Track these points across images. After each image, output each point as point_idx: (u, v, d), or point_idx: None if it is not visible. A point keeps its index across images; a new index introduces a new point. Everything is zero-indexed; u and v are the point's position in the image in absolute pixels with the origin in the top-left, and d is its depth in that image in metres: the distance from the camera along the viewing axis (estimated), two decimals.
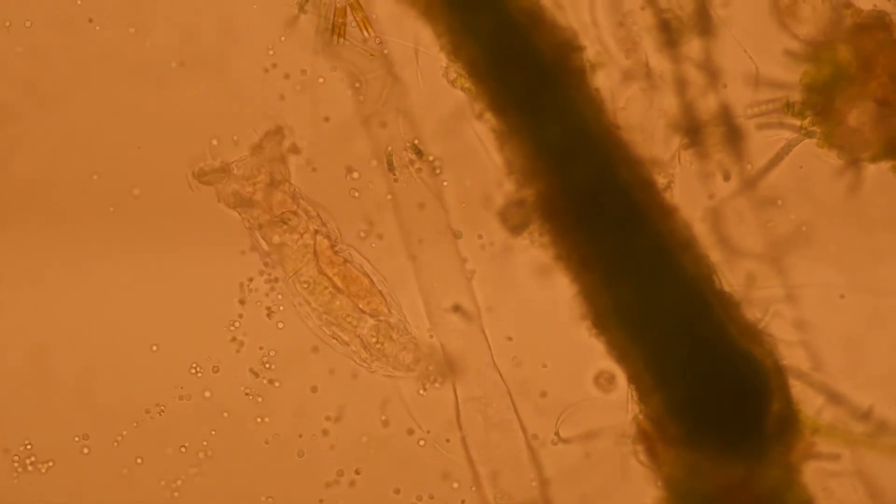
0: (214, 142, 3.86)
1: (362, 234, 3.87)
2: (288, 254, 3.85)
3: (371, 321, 3.85)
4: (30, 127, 3.89)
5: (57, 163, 3.89)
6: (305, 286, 3.85)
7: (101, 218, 3.89)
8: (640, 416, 3.83)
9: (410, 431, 3.88)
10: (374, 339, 3.84)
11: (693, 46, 3.84)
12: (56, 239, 3.88)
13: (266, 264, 3.86)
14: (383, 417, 3.87)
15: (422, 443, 3.87)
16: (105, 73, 3.89)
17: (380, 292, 3.86)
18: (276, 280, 3.86)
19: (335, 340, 3.86)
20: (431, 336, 3.86)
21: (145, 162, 3.89)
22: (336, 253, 3.86)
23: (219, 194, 3.87)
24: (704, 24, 3.83)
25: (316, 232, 3.86)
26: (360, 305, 3.85)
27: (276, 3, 3.85)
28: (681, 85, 3.84)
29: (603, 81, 3.84)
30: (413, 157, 3.87)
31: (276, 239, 3.85)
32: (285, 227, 3.84)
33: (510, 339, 3.87)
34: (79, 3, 3.87)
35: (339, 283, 3.85)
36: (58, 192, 3.89)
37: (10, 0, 3.89)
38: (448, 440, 3.88)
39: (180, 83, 3.87)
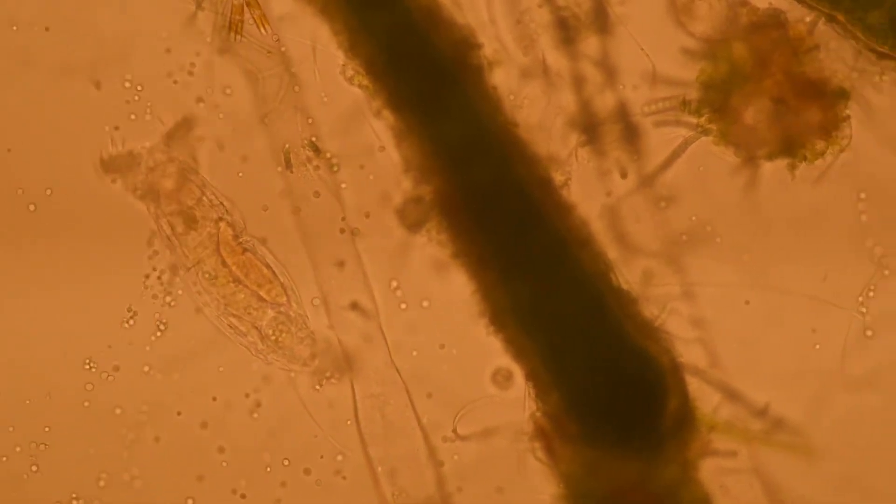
0: (114, 128, 3.84)
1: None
2: (191, 243, 3.84)
3: (271, 313, 3.84)
4: None
5: None
6: (207, 276, 3.84)
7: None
8: (538, 414, 3.84)
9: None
10: (271, 331, 3.84)
11: (590, 44, 3.85)
12: None
13: (170, 254, 3.85)
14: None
15: (316, 437, 3.88)
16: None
17: (281, 283, 3.85)
18: (177, 270, 3.85)
19: (232, 330, 3.85)
20: (330, 330, 3.86)
21: (42, 160, 3.88)
22: (239, 243, 3.85)
23: (126, 184, 3.85)
24: (601, 21, 3.84)
25: (219, 219, 3.85)
26: (261, 293, 3.84)
27: None
28: (578, 82, 3.85)
29: (500, 79, 3.84)
30: (311, 154, 3.86)
31: (181, 228, 3.84)
32: (191, 216, 3.83)
33: (412, 335, 3.88)
34: None
35: (238, 274, 3.84)
36: None
37: None
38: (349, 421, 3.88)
39: (74, 78, 3.87)
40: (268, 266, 3.85)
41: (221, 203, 3.85)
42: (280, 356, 3.85)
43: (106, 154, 3.84)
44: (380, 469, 3.87)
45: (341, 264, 3.87)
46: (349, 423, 3.86)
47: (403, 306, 3.87)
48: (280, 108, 3.86)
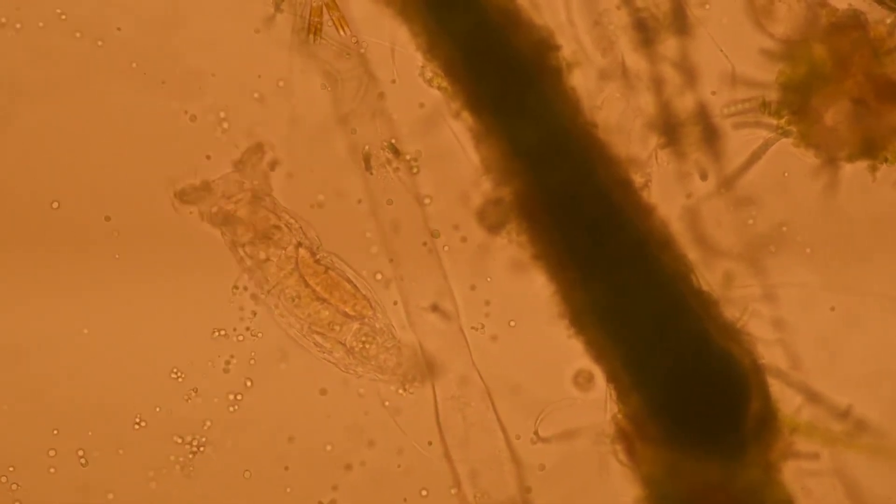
0: (206, 157, 3.85)
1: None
2: (271, 269, 3.83)
3: (356, 326, 3.83)
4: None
5: (26, 184, 3.87)
6: (290, 300, 3.83)
7: (82, 239, 3.88)
8: (619, 416, 3.82)
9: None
10: (358, 344, 3.83)
11: (669, 45, 3.85)
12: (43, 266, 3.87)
13: (249, 280, 3.84)
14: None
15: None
16: (72, 83, 3.87)
17: (364, 297, 3.85)
18: (258, 296, 3.85)
19: (318, 349, 3.84)
20: (412, 336, 3.85)
21: (121, 182, 3.87)
22: (318, 262, 3.85)
23: (201, 213, 3.85)
24: (681, 23, 3.84)
25: (299, 244, 3.84)
26: (346, 309, 3.83)
27: (252, 2, 3.85)
28: (657, 84, 3.85)
29: (579, 80, 3.84)
30: (390, 156, 3.86)
31: (262, 255, 3.83)
32: (269, 242, 3.83)
33: (492, 338, 3.87)
34: (63, 17, 3.86)
35: (322, 293, 3.83)
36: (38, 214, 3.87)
37: None
38: (430, 442, 3.86)
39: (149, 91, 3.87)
40: (349, 280, 3.85)
41: (298, 226, 3.84)
42: (368, 368, 3.84)
43: (180, 187, 3.84)
44: (461, 471, 3.86)
45: (422, 267, 3.86)
46: (431, 443, 3.86)
47: (484, 308, 3.86)
48: (359, 110, 3.86)
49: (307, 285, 3.83)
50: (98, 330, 3.86)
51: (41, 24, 3.85)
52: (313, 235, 3.86)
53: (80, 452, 3.86)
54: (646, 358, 3.79)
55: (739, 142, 3.85)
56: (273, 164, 3.85)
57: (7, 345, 3.86)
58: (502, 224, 3.84)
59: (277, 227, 3.83)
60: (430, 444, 3.85)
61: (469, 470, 3.86)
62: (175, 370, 3.85)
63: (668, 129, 3.85)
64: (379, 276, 3.87)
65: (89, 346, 3.86)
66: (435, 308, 3.86)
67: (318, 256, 3.85)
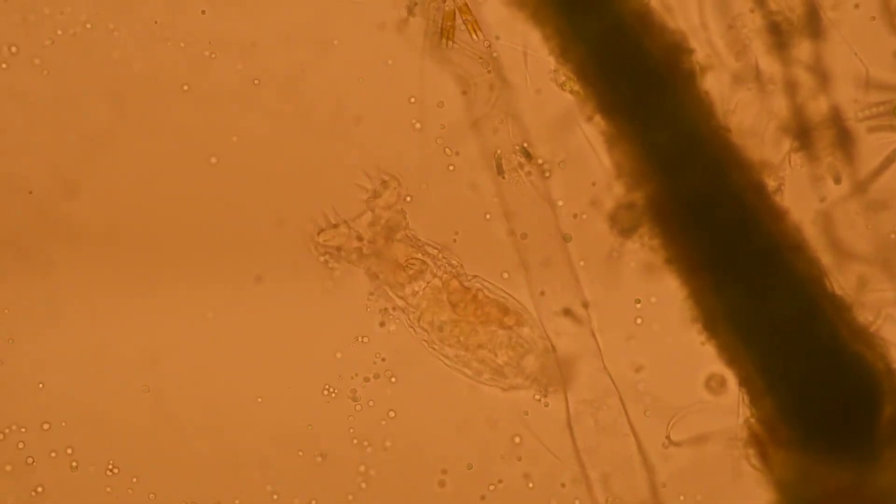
0: (332, 208, 3.86)
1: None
2: (416, 301, 3.84)
3: (504, 341, 3.84)
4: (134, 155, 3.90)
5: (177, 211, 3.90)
6: (438, 329, 3.83)
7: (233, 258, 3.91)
8: (751, 420, 3.82)
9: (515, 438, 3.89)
10: (506, 358, 3.83)
11: (803, 48, 3.83)
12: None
13: (396, 312, 3.86)
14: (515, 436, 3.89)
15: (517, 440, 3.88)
16: (210, 106, 3.89)
17: (516, 312, 3.85)
18: (410, 327, 3.86)
19: (469, 371, 3.85)
20: (545, 339, 3.86)
21: (263, 211, 3.89)
22: (466, 289, 3.85)
23: (343, 255, 3.85)
24: (814, 25, 3.82)
25: (443, 274, 3.84)
26: (494, 328, 3.84)
27: (385, 6, 3.85)
28: (791, 87, 3.83)
29: (712, 84, 3.82)
30: (522, 160, 3.86)
31: (407, 290, 3.84)
32: (412, 275, 3.83)
33: (623, 341, 3.87)
34: (212, 55, 3.88)
35: (472, 318, 3.84)
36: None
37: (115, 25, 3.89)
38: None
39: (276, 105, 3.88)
40: (496, 299, 3.85)
41: (440, 254, 3.84)
42: (516, 380, 3.84)
43: (320, 230, 3.85)
44: (593, 475, 3.86)
45: (552, 270, 3.86)
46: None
47: (616, 312, 3.86)
48: (491, 113, 3.86)
49: (455, 312, 3.84)
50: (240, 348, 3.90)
51: (209, 54, 3.87)
52: (457, 262, 3.86)
53: (269, 487, 3.89)
54: (778, 362, 3.78)
55: (873, 145, 3.83)
56: (406, 197, 3.85)
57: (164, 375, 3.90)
58: (635, 228, 3.83)
59: (419, 260, 3.84)
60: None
61: (601, 474, 3.87)
62: (327, 386, 3.89)
63: (802, 132, 3.84)
64: (505, 275, 3.87)
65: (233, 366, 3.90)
66: (567, 312, 3.87)
67: (465, 283, 3.85)
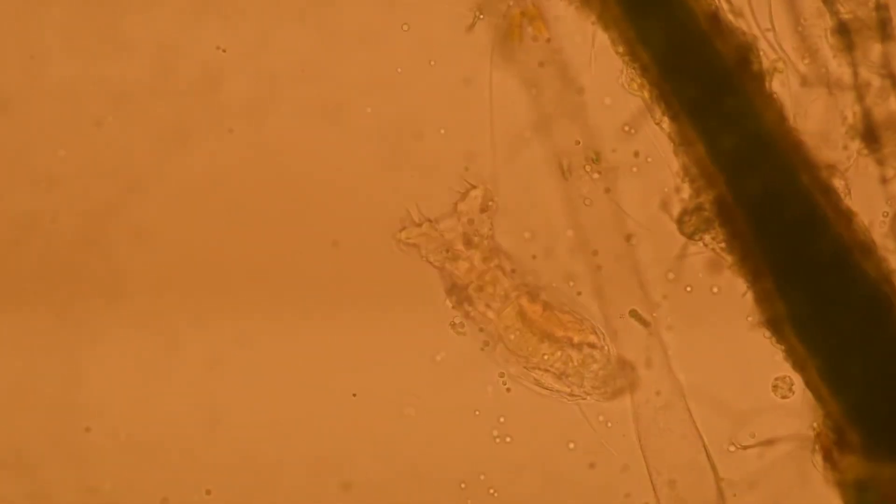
0: (417, 206, 3.87)
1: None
2: (490, 312, 3.84)
3: (573, 351, 3.84)
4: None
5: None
6: (511, 341, 3.84)
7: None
8: (819, 423, 3.81)
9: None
10: (571, 368, 3.84)
11: (872, 50, 3.81)
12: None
13: (466, 321, 3.86)
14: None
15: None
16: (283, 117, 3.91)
17: (582, 321, 3.85)
18: (486, 343, 3.86)
19: (538, 386, 3.86)
20: (612, 350, 3.86)
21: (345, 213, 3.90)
22: (536, 297, 3.85)
23: (422, 254, 3.86)
24: (884, 28, 3.80)
25: (516, 289, 3.85)
26: (571, 339, 3.84)
27: (454, 10, 3.85)
28: (860, 90, 3.81)
29: (781, 86, 3.81)
30: (589, 162, 3.86)
31: (481, 298, 3.84)
32: (487, 284, 3.84)
33: (689, 344, 3.87)
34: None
35: (544, 328, 3.83)
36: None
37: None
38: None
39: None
40: (568, 311, 3.85)
41: (515, 267, 3.84)
42: (585, 388, 3.84)
43: (404, 227, 3.85)
44: (659, 478, 3.86)
45: (617, 274, 3.86)
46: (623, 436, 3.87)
47: (682, 314, 3.86)
48: (557, 115, 3.85)
49: (527, 324, 3.84)
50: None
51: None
52: (530, 278, 3.86)
53: None
54: (846, 366, 3.77)
55: None
56: (492, 207, 3.85)
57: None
58: (702, 231, 3.83)
59: (496, 269, 3.84)
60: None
61: (667, 479, 3.87)
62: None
63: (871, 134, 3.82)
64: (571, 283, 3.88)
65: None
66: (633, 314, 3.86)
67: (537, 296, 3.85)
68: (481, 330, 3.84)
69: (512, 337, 3.83)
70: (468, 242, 3.84)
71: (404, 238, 3.85)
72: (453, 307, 3.84)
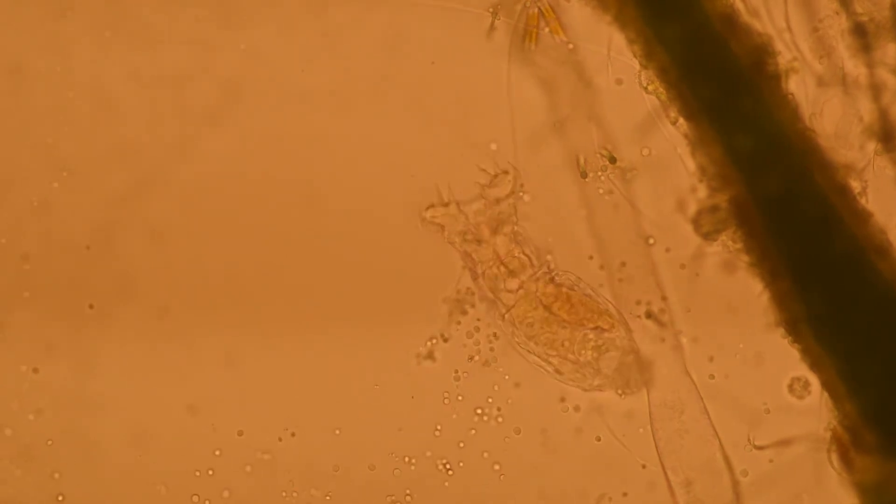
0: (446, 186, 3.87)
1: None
2: (509, 297, 3.84)
3: (593, 341, 3.84)
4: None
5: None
6: (528, 326, 3.84)
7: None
8: (835, 423, 3.81)
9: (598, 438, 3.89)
10: (590, 359, 3.84)
11: (888, 51, 3.81)
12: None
13: (484, 304, 3.87)
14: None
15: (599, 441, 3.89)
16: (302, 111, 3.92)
17: (606, 311, 3.85)
18: (496, 336, 3.87)
19: (555, 373, 3.86)
20: (632, 343, 3.87)
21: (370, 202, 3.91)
22: (558, 286, 3.85)
23: (446, 236, 3.86)
24: None
25: (539, 271, 3.85)
26: (589, 327, 3.84)
27: (470, 12, 3.86)
28: (876, 90, 3.81)
29: (797, 86, 3.81)
30: (606, 163, 3.86)
31: (500, 283, 3.85)
32: (511, 270, 3.84)
33: (704, 344, 3.87)
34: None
35: (565, 316, 3.84)
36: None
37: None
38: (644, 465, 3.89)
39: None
40: (588, 296, 3.85)
41: (537, 253, 3.84)
42: (601, 379, 3.85)
43: (429, 206, 3.86)
44: (675, 478, 3.86)
45: (634, 272, 3.87)
46: (641, 430, 3.87)
47: (697, 315, 3.86)
48: (574, 115, 3.86)
49: (546, 310, 3.84)
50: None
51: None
52: (551, 259, 3.86)
53: None
54: (862, 366, 3.77)
55: None
56: (519, 191, 3.85)
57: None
58: (718, 231, 3.83)
59: (520, 256, 3.84)
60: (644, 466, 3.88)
61: (683, 479, 3.87)
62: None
63: (887, 135, 3.82)
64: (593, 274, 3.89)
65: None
66: (650, 315, 3.87)
67: (557, 280, 3.85)
68: (502, 317, 3.85)
69: (533, 323, 3.83)
70: (494, 228, 3.84)
71: (430, 217, 3.85)
72: (478, 292, 3.85)
